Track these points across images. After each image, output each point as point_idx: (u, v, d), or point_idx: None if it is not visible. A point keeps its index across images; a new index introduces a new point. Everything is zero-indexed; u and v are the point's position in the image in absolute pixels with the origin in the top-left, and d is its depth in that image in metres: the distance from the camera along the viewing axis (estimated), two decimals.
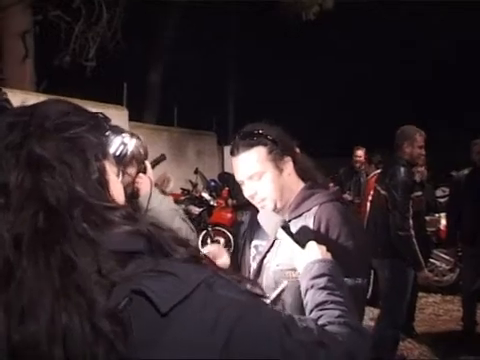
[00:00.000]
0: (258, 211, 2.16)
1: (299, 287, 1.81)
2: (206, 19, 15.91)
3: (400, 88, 17.97)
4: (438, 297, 7.42)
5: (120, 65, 13.51)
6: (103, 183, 1.00)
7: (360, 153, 8.24)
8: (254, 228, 2.22)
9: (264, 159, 1.97)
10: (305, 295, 1.46)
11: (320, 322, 1.28)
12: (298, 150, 2.14)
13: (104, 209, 0.95)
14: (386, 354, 4.78)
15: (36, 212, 0.89)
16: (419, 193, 5.01)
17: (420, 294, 6.21)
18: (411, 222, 4.66)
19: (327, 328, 1.24)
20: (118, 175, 1.10)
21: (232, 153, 2.03)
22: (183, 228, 2.74)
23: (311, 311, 1.38)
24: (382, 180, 5.04)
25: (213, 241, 10.33)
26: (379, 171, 5.99)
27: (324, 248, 1.59)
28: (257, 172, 1.98)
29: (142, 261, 0.91)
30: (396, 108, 16.71)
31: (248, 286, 1.02)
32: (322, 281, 1.43)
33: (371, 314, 5.70)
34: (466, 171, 5.99)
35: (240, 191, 2.09)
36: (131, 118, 10.67)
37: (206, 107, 17.15)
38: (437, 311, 6.87)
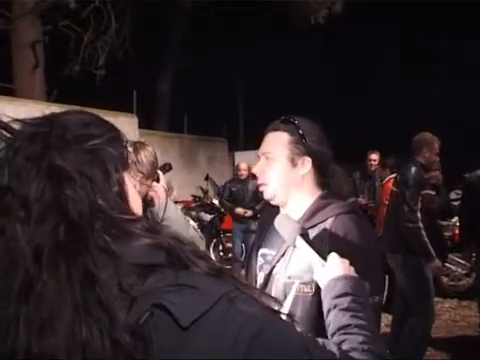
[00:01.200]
0: (270, 216, 2.11)
1: (310, 301, 1.76)
2: (215, 26, 15.95)
3: (416, 92, 17.89)
4: (454, 302, 7.32)
5: (129, 73, 13.57)
6: (123, 195, 0.99)
7: (374, 157, 8.17)
8: (263, 235, 2.16)
9: (283, 145, 1.95)
10: (327, 315, 1.40)
11: (343, 347, 1.24)
12: (337, 167, 2.10)
13: (125, 222, 0.94)
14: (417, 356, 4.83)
15: (57, 225, 0.88)
16: (431, 192, 5.10)
17: (436, 299, 6.09)
18: (419, 215, 4.74)
19: (350, 355, 1.20)
20: (136, 186, 1.09)
21: (266, 130, 2.05)
22: (195, 237, 2.71)
23: (334, 334, 1.33)
24: (397, 182, 5.14)
25: (224, 248, 10.31)
26: (394, 175, 5.97)
27: (347, 262, 1.51)
28: (271, 152, 1.97)
29: (162, 274, 0.89)
30: (410, 112, 16.67)
31: (269, 301, 0.99)
32: (345, 301, 1.37)
33: (386, 320, 5.63)
34: (478, 172, 5.92)
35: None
36: (141, 126, 10.69)
37: (217, 114, 17.19)
38: (454, 317, 6.77)
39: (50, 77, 11.05)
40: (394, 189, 5.13)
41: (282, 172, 1.96)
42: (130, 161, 1.06)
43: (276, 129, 1.99)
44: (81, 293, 0.84)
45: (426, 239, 4.70)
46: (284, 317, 0.97)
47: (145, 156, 2.65)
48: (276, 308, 0.98)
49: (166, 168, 2.91)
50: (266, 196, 2.01)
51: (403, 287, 5.01)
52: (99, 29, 11.79)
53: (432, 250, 4.75)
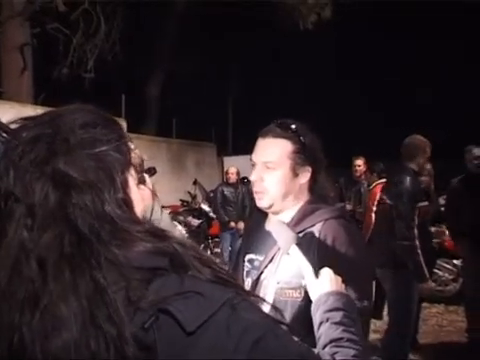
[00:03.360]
0: (257, 221, 2.10)
1: (298, 307, 1.76)
2: (205, 31, 15.95)
3: (401, 97, 17.99)
4: (441, 307, 7.34)
5: (118, 77, 13.53)
6: (127, 200, 0.97)
7: (360, 162, 8.17)
8: (250, 240, 2.13)
9: (285, 155, 1.91)
10: (319, 327, 1.42)
11: (336, 359, 1.27)
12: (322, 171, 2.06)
13: (130, 228, 0.93)
14: None
15: (61, 233, 0.86)
16: (425, 203, 4.93)
17: (423, 305, 6.13)
18: (416, 232, 4.52)
19: None
20: (137, 185, 1.07)
21: (261, 135, 1.98)
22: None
23: (325, 346, 1.35)
24: (388, 189, 4.95)
25: (212, 253, 10.28)
26: (383, 180, 5.94)
27: (340, 279, 1.53)
28: (273, 161, 1.91)
29: (166, 279, 0.89)
30: (396, 117, 16.75)
31: (270, 310, 1.01)
32: (338, 315, 1.39)
33: (373, 326, 5.64)
34: (462, 177, 5.92)
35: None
36: (129, 130, 10.66)
37: (205, 118, 17.17)
38: (441, 322, 6.78)
39: (38, 80, 11.00)
40: (384, 198, 4.90)
41: (283, 182, 1.93)
42: (133, 161, 1.05)
43: (276, 136, 1.94)
44: (89, 307, 0.83)
45: (421, 258, 4.48)
46: (283, 327, 0.98)
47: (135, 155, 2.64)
48: (276, 317, 0.99)
49: (151, 172, 2.91)
50: (262, 204, 1.97)
51: (390, 302, 4.88)
52: (88, 32, 11.76)
53: (426, 271, 4.54)
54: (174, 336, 0.84)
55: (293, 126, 1.94)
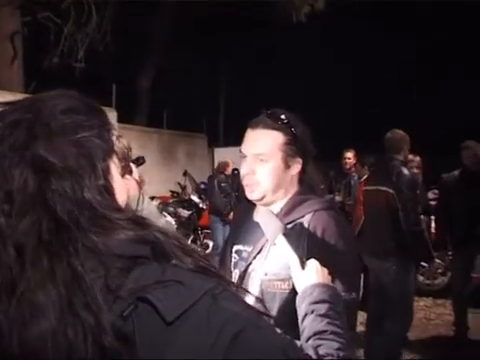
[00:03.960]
0: (245, 211, 2.08)
1: (286, 299, 1.75)
2: (196, 21, 15.87)
3: (391, 89, 18.01)
4: (429, 300, 7.39)
5: (109, 67, 13.46)
6: (108, 188, 0.95)
7: (350, 155, 8.17)
8: (237, 230, 2.11)
9: (277, 146, 1.88)
10: (303, 319, 1.40)
11: (319, 352, 1.26)
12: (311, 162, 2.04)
13: (110, 214, 0.91)
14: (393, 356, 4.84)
15: (39, 219, 0.85)
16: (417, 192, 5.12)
17: None
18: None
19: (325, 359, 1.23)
20: (123, 174, 1.05)
21: (251, 126, 1.94)
22: (168, 226, 2.70)
23: (309, 338, 1.33)
24: (382, 180, 4.97)
25: (202, 244, 10.28)
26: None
27: (326, 271, 1.51)
28: (265, 153, 1.87)
29: (147, 267, 0.88)
30: (387, 110, 16.77)
31: (252, 301, 0.99)
32: (323, 308, 1.38)
33: (361, 318, 5.66)
34: (456, 173, 5.95)
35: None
36: (120, 120, 10.62)
37: (196, 109, 17.12)
38: (429, 315, 6.82)
39: (29, 69, 10.92)
40: (383, 188, 4.90)
41: (275, 174, 1.90)
42: (116, 148, 1.02)
43: (267, 127, 1.90)
44: (67, 295, 0.82)
45: (429, 241, 4.80)
46: (267, 318, 0.97)
47: (122, 144, 2.63)
48: (258, 308, 0.97)
49: (140, 161, 2.88)
50: (253, 197, 1.94)
51: (382, 289, 4.91)
52: (79, 21, 11.65)
53: (433, 252, 4.88)
54: (153, 325, 0.83)
55: (283, 116, 1.90)
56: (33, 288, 0.82)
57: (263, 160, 1.89)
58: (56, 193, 0.86)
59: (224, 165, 9.67)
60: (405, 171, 4.79)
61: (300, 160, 1.92)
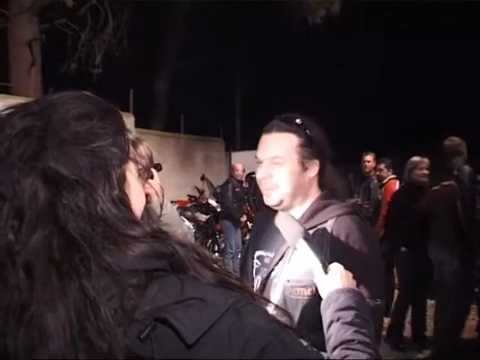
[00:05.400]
0: (266, 217, 2.04)
1: (311, 305, 1.70)
2: (212, 25, 15.91)
3: (410, 94, 17.89)
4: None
5: (126, 72, 13.52)
6: (123, 198, 0.89)
7: (369, 158, 8.16)
8: (259, 236, 2.07)
9: (292, 149, 1.85)
10: (328, 327, 1.35)
11: None
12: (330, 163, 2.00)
13: (125, 229, 0.85)
14: None
15: (50, 236, 0.80)
16: None
17: (431, 302, 6.05)
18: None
19: None
20: (138, 178, 0.98)
21: (265, 131, 1.92)
22: (189, 234, 2.71)
23: (335, 347, 1.28)
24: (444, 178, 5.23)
25: (219, 248, 10.28)
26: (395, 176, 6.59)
27: (350, 275, 1.47)
28: (280, 156, 1.85)
29: (164, 281, 0.83)
30: (405, 114, 16.68)
31: (276, 313, 0.94)
32: (349, 315, 1.32)
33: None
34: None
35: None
36: (138, 125, 10.66)
37: (213, 113, 17.13)
38: None
39: (47, 75, 11.00)
40: (446, 184, 5.18)
41: (292, 177, 1.86)
42: (133, 154, 0.95)
43: (280, 130, 1.87)
44: (78, 319, 0.77)
45: None
46: (291, 331, 0.91)
47: (143, 149, 2.62)
48: (283, 320, 0.92)
49: (157, 168, 2.88)
50: (271, 202, 1.91)
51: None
52: (96, 27, 11.74)
53: None
54: (173, 348, 0.78)
55: (297, 120, 1.88)
56: (42, 311, 0.77)
57: (279, 163, 1.86)
58: (68, 208, 0.81)
59: (232, 168, 9.68)
60: (465, 167, 5.00)
61: (317, 162, 1.89)
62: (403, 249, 5.81)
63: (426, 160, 5.90)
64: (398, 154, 6.15)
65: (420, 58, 17.70)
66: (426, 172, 5.85)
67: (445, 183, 5.19)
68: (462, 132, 5.42)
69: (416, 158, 5.96)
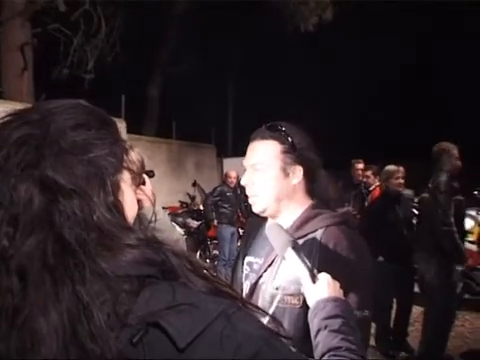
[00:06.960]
0: (257, 223, 2.06)
1: (298, 314, 1.72)
2: (205, 32, 15.96)
3: (403, 100, 18.00)
4: (473, 314, 7.06)
5: (118, 78, 13.52)
6: (117, 205, 0.91)
7: (361, 166, 8.21)
8: (249, 242, 2.08)
9: (274, 155, 1.86)
10: (316, 335, 1.38)
11: None
12: (322, 171, 2.00)
13: (119, 235, 0.87)
14: None
15: (44, 240, 0.81)
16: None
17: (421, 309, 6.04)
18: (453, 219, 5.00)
19: None
20: (137, 186, 1.01)
21: (251, 138, 1.95)
22: (180, 240, 2.72)
23: (323, 354, 1.31)
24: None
25: (210, 255, 10.27)
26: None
27: (338, 284, 1.49)
28: (262, 162, 1.87)
29: (156, 288, 0.84)
30: (393, 121, 16.77)
31: (267, 320, 0.96)
32: (336, 323, 1.35)
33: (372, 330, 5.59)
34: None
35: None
36: (129, 131, 10.65)
37: (205, 120, 17.14)
38: (467, 328, 6.60)
39: (39, 80, 10.98)
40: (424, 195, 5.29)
41: (274, 183, 1.87)
42: (127, 161, 0.97)
43: (264, 137, 1.89)
44: (70, 324, 0.78)
45: (460, 241, 5.06)
46: (282, 338, 0.93)
47: (134, 155, 2.63)
48: (274, 328, 0.94)
49: (150, 175, 2.89)
50: (256, 209, 1.92)
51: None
52: (89, 33, 11.75)
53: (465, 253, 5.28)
54: (165, 352, 0.79)
55: (280, 127, 1.89)
56: (35, 315, 0.78)
57: (260, 169, 1.88)
58: (64, 215, 0.82)
59: (225, 175, 9.75)
60: (441, 178, 5.04)
61: (300, 168, 1.89)
62: (380, 259, 5.62)
63: (401, 169, 5.89)
64: (385, 161, 6.16)
65: (413, 64, 17.81)
66: (401, 181, 5.84)
67: (423, 195, 5.35)
68: (458, 138, 5.44)
69: (391, 167, 5.92)
